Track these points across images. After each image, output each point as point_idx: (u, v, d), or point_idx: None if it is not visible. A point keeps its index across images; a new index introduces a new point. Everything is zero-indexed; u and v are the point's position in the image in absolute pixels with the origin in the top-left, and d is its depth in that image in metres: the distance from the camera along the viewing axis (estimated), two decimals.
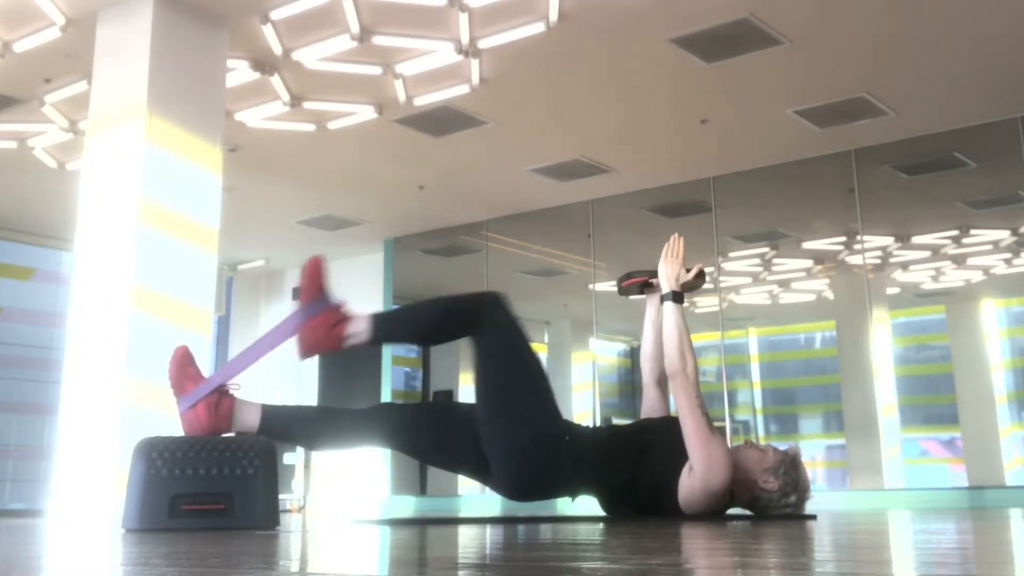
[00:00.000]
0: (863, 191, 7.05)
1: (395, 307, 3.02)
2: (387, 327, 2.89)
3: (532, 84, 5.94)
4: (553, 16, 5.05)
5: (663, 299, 2.92)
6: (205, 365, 4.32)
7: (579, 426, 2.98)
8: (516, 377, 2.85)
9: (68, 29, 5.10)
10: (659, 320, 3.17)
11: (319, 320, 2.74)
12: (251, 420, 2.75)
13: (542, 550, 1.63)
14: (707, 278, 3.06)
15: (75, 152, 6.64)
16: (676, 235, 3.01)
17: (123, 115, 4.71)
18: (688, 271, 2.97)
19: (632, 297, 3.25)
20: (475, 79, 5.75)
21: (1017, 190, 6.74)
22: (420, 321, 2.98)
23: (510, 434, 2.82)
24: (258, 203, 8.16)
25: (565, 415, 2.97)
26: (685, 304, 2.94)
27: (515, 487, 2.88)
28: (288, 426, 2.87)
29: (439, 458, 3.06)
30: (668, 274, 2.93)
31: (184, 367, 2.75)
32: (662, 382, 3.16)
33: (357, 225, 8.88)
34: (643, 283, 3.18)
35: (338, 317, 2.77)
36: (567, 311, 9.14)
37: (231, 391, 2.76)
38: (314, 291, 2.78)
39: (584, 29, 5.24)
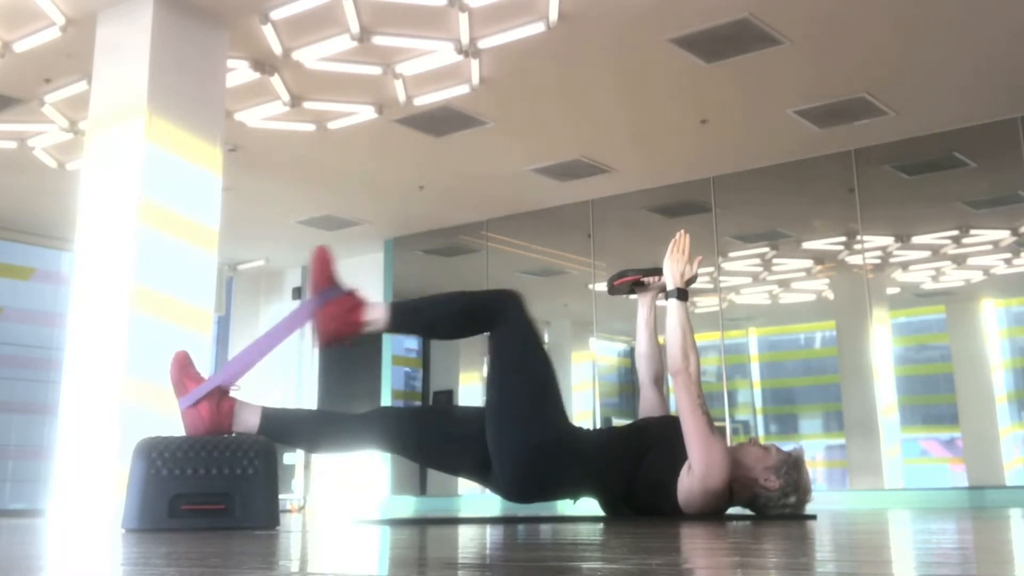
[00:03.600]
0: (863, 191, 7.04)
1: (411, 299, 2.99)
2: (405, 316, 2.88)
3: (532, 84, 5.94)
4: (553, 16, 5.05)
5: (667, 296, 2.91)
6: (205, 365, 4.32)
7: (579, 428, 2.98)
8: (525, 383, 2.82)
9: (68, 29, 5.10)
10: (652, 320, 3.16)
11: (335, 307, 2.72)
12: (251, 422, 2.76)
13: (542, 550, 1.63)
14: (707, 278, 3.05)
15: (75, 152, 6.64)
16: (682, 232, 2.98)
17: (123, 115, 4.71)
18: (690, 267, 2.94)
19: (628, 297, 3.22)
20: (475, 79, 5.75)
21: (1017, 190, 6.74)
22: (438, 315, 2.95)
23: (517, 439, 2.80)
24: (258, 203, 8.16)
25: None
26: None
27: (518, 489, 2.86)
28: (287, 429, 2.87)
29: (440, 462, 3.06)
30: (673, 271, 2.91)
31: (185, 368, 2.75)
32: (659, 381, 3.16)
33: (357, 225, 8.88)
34: (634, 282, 3.15)
35: (353, 302, 2.75)
36: (567, 311, 9.14)
37: (232, 392, 2.76)
38: (325, 279, 2.76)
39: (584, 29, 5.24)
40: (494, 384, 2.87)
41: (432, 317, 2.96)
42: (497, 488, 2.87)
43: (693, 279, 2.97)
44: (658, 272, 3.03)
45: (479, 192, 8.02)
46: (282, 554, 1.62)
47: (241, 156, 6.87)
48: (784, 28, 5.27)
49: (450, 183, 7.81)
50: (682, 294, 2.88)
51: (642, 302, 3.17)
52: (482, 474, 2.91)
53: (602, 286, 8.11)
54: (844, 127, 6.63)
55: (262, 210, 8.39)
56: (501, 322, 2.83)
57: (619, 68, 5.77)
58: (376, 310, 2.78)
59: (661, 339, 2.96)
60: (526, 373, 2.83)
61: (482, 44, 5.34)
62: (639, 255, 7.57)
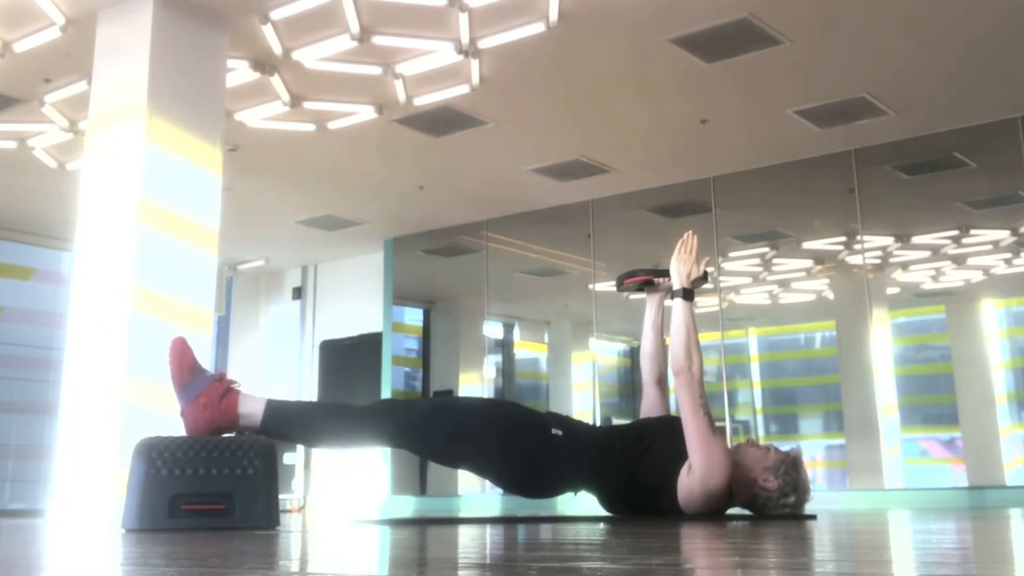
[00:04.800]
0: (863, 191, 7.04)
1: (291, 401, 2.94)
2: (281, 418, 2.78)
3: (532, 84, 5.94)
4: (553, 16, 5.05)
5: (673, 295, 2.91)
6: (206, 365, 4.32)
7: (578, 423, 2.99)
8: (469, 437, 2.86)
9: (68, 29, 5.09)
10: (659, 320, 3.17)
11: (204, 397, 2.67)
12: (254, 413, 2.74)
13: (542, 550, 1.63)
14: (708, 278, 3.06)
15: (75, 152, 6.64)
16: (690, 232, 2.99)
17: (123, 115, 4.71)
18: (697, 267, 2.95)
19: (631, 296, 3.23)
20: (475, 79, 5.75)
21: (1017, 190, 6.73)
22: (322, 420, 2.88)
23: (495, 458, 2.88)
24: (258, 203, 8.16)
25: (563, 415, 3.00)
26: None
27: (518, 487, 2.90)
28: (291, 419, 2.84)
29: (444, 457, 3.06)
30: (680, 271, 2.91)
31: (183, 355, 2.74)
32: (662, 381, 3.16)
33: (357, 225, 8.88)
34: (644, 281, 3.16)
35: (222, 388, 2.69)
36: (567, 311, 9.13)
37: (234, 385, 2.75)
38: (186, 371, 2.70)
39: (584, 29, 5.24)
40: (450, 459, 2.99)
41: (314, 420, 2.86)
42: (503, 486, 2.93)
43: (703, 280, 2.97)
44: (668, 273, 3.03)
45: (479, 192, 8.02)
46: (282, 554, 1.62)
47: (241, 156, 6.87)
48: (784, 28, 5.27)
49: (450, 183, 7.80)
50: (688, 294, 2.88)
51: (650, 302, 3.18)
52: (486, 470, 2.94)
53: (602, 286, 8.15)
54: (844, 127, 6.63)
55: (262, 210, 8.39)
56: (405, 428, 2.84)
57: (619, 68, 5.76)
58: (250, 403, 2.71)
59: (667, 340, 2.97)
60: (466, 432, 2.86)
61: (482, 44, 5.34)
62: (639, 255, 7.58)
